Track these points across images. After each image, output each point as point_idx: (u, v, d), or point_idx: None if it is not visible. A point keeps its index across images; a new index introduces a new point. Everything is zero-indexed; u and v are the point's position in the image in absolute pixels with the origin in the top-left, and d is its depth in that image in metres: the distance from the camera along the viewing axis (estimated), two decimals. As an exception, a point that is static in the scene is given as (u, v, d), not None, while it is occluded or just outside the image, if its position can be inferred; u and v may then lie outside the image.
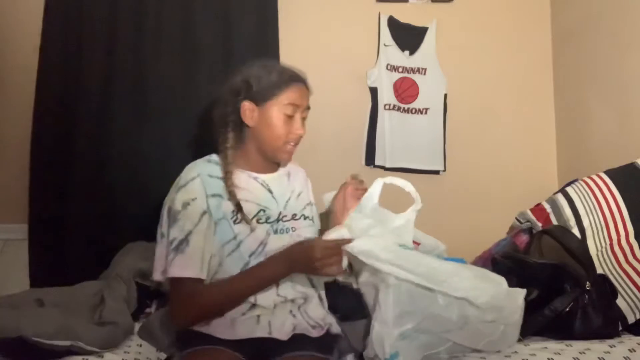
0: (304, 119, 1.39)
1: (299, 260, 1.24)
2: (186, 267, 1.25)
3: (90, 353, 1.36)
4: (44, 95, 2.15)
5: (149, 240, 1.96)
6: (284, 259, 1.27)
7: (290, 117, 1.35)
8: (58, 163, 2.15)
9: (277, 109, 1.34)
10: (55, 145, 2.14)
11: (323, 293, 1.43)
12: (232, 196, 1.31)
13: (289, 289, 1.34)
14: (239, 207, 1.31)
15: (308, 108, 1.40)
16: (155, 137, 2.20)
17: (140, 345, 1.50)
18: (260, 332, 1.29)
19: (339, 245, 1.22)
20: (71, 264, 2.09)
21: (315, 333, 1.33)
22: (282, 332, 1.29)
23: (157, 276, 1.31)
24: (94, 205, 2.14)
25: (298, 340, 1.29)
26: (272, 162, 1.43)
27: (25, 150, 2.14)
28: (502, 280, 1.38)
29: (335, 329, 1.41)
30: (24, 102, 2.15)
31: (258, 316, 1.30)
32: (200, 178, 1.32)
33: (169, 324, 1.45)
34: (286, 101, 1.34)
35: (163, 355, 1.48)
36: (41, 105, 2.15)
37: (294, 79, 1.37)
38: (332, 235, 1.26)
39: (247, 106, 1.35)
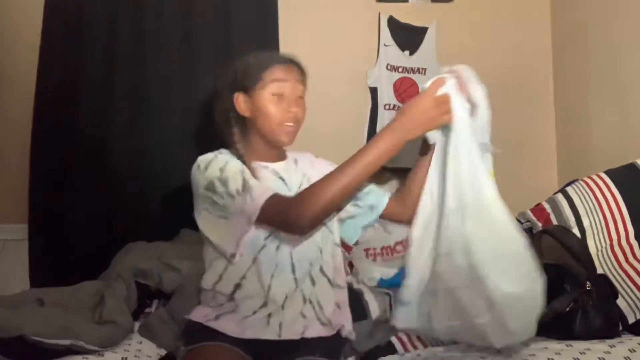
0: (300, 97, 1.34)
1: (415, 119, 1.20)
2: (265, 190, 1.22)
3: (91, 352, 1.36)
4: (44, 95, 2.15)
5: (149, 240, 1.97)
6: (397, 125, 1.20)
7: (280, 96, 1.31)
8: (58, 163, 2.14)
9: (265, 92, 1.31)
10: (55, 145, 2.14)
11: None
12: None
13: (305, 263, 1.30)
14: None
15: (303, 86, 1.35)
16: (156, 137, 2.20)
17: (141, 343, 1.50)
18: (270, 334, 1.26)
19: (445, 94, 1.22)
20: (71, 264, 2.08)
21: (324, 332, 1.30)
22: (291, 331, 1.27)
23: (241, 231, 1.25)
24: (94, 205, 2.14)
25: (307, 344, 1.27)
26: (278, 149, 1.40)
27: (25, 150, 2.14)
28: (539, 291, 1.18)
29: (347, 332, 1.36)
30: (24, 102, 2.15)
31: (269, 316, 1.27)
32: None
33: (171, 320, 1.43)
34: (270, 79, 1.31)
35: (163, 352, 1.48)
36: (41, 105, 2.15)
37: (275, 59, 1.35)
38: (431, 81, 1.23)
39: (239, 98, 1.34)
